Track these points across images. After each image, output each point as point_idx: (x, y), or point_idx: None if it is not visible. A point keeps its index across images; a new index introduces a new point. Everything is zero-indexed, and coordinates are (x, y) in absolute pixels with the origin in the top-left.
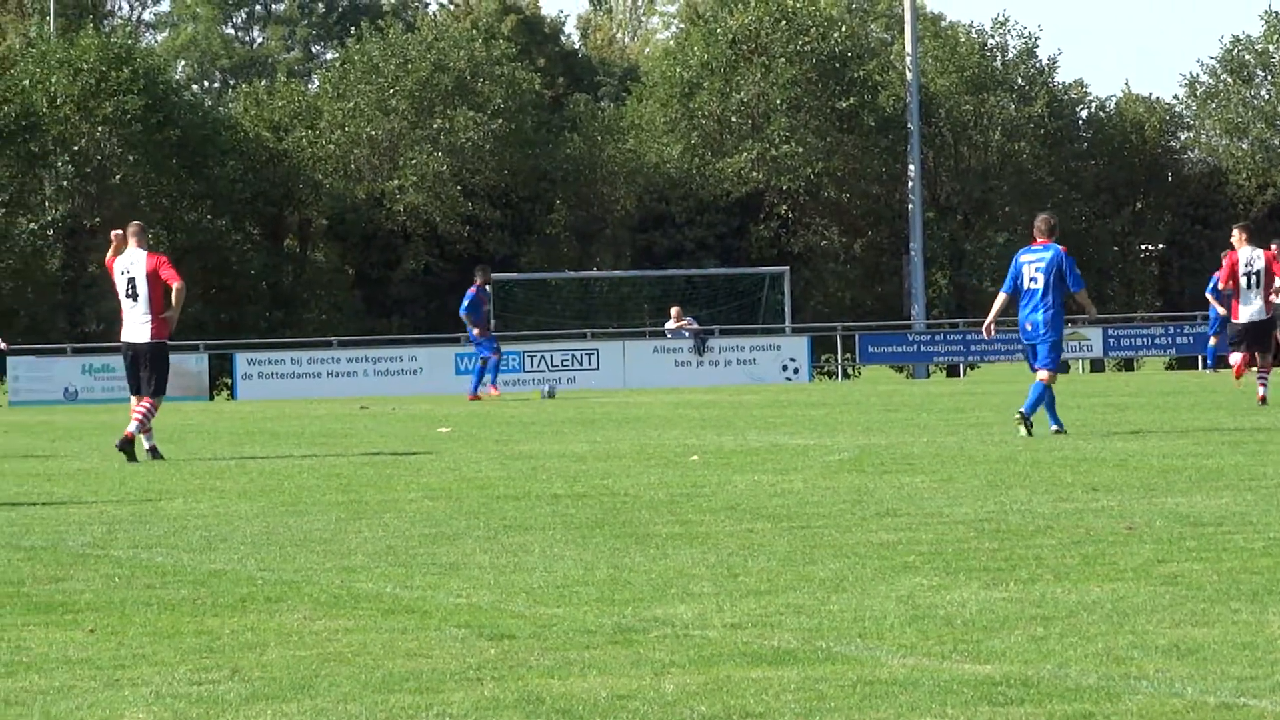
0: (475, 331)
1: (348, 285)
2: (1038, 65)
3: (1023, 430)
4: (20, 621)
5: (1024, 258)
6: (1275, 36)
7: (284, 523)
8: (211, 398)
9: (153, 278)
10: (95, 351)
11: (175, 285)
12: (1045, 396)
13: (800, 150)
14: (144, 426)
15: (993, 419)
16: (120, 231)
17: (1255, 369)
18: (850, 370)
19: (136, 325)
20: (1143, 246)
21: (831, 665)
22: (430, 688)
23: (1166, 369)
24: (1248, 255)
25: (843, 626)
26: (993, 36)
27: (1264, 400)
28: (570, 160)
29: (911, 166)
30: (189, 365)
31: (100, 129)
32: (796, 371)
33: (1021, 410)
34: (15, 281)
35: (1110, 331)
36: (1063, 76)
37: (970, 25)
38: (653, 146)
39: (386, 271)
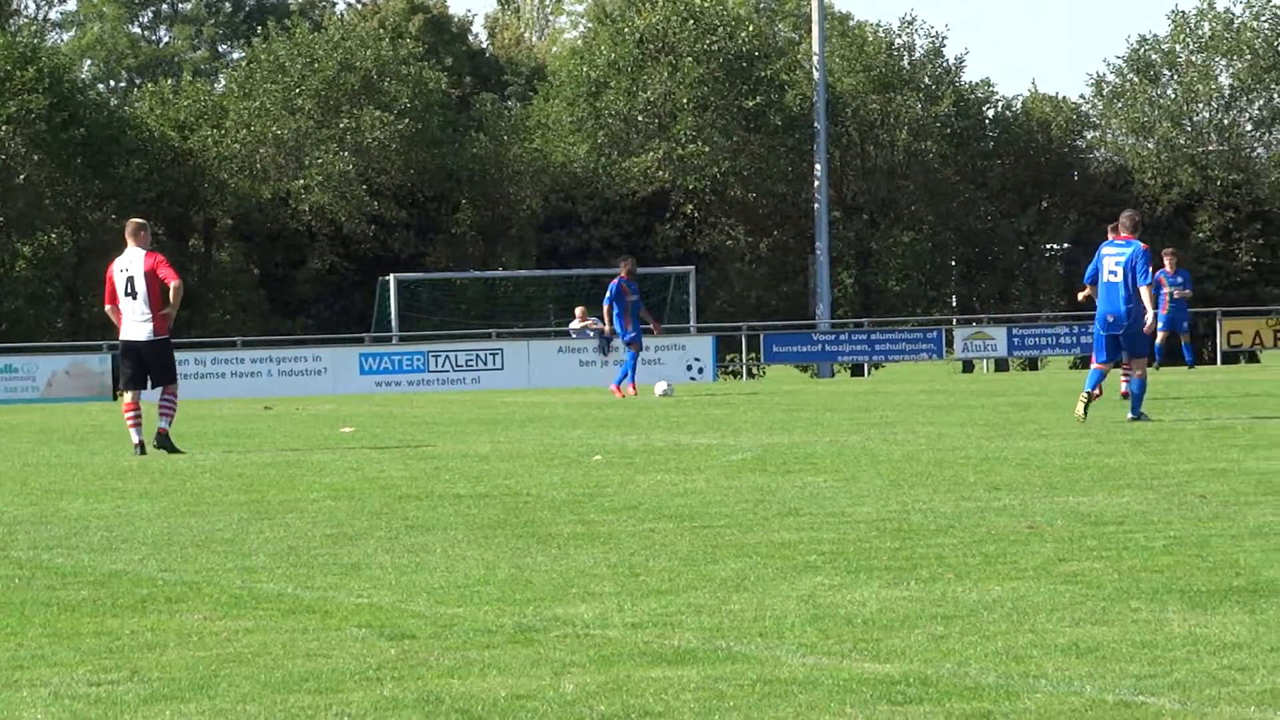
0: (622, 324)
1: (252, 285)
2: (945, 65)
3: (1142, 420)
4: None
5: (1106, 250)
6: (1181, 36)
7: (185, 523)
8: (115, 398)
9: (150, 276)
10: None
11: (173, 284)
12: (1143, 387)
13: (706, 149)
14: (172, 419)
15: (896, 418)
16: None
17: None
18: (755, 370)
19: (136, 323)
20: (1048, 246)
21: (731, 664)
22: (330, 688)
23: (1071, 368)
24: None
25: (743, 626)
26: (900, 36)
27: (1127, 396)
28: (476, 160)
29: (818, 166)
30: (92, 365)
31: (4, 128)
32: (701, 371)
33: (1127, 400)
34: None
35: (1015, 331)
36: (969, 76)
37: (878, 25)
38: (559, 146)
39: (291, 271)
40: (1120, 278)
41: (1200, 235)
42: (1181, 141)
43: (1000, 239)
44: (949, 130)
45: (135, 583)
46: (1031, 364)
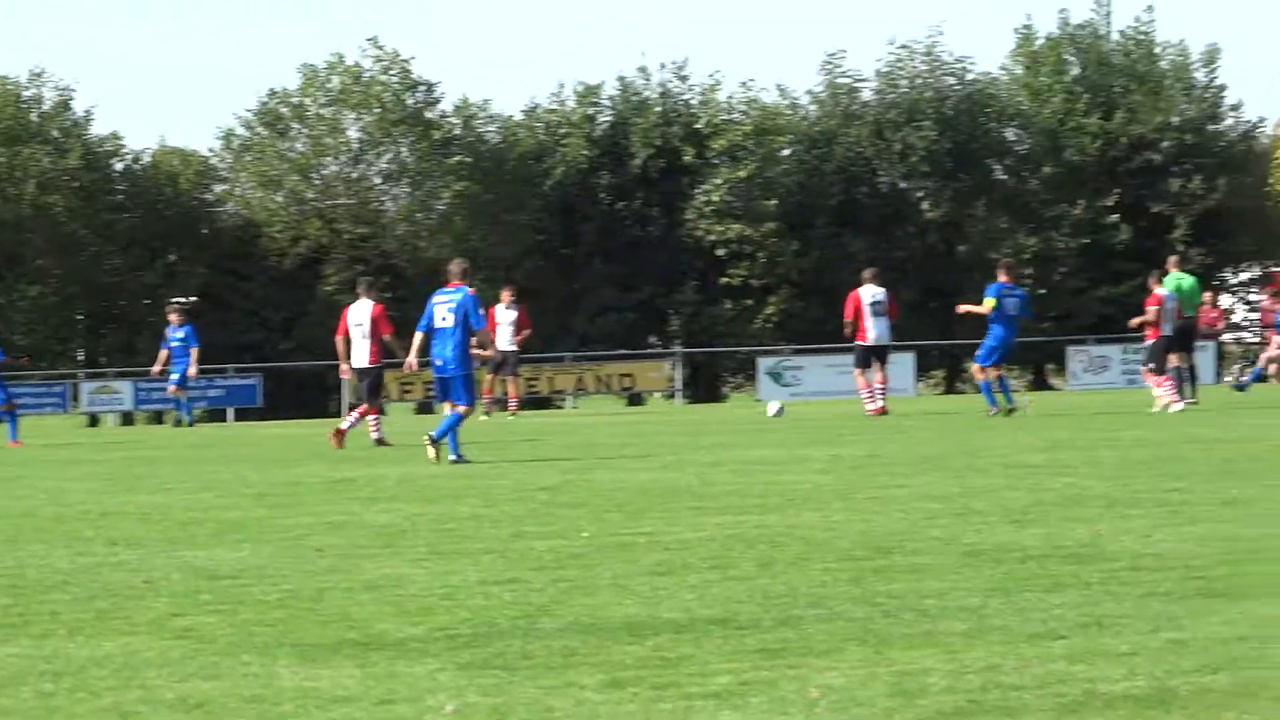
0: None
1: None
2: (74, 118)
3: (432, 453)
4: None
5: (437, 299)
6: (312, 89)
7: None
8: None
9: None
10: None
11: None
12: (457, 425)
13: None
14: None
15: (16, 474)
16: None
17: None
18: None
19: None
20: (176, 300)
21: None
22: None
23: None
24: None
25: None
26: (29, 88)
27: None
28: None
29: None
30: None
31: None
32: None
33: (431, 435)
34: None
35: (140, 385)
36: (99, 128)
37: (5, 77)
38: None
39: None
40: (451, 323)
41: (327, 288)
42: (310, 195)
43: (128, 293)
44: (77, 184)
45: None
46: (156, 418)
